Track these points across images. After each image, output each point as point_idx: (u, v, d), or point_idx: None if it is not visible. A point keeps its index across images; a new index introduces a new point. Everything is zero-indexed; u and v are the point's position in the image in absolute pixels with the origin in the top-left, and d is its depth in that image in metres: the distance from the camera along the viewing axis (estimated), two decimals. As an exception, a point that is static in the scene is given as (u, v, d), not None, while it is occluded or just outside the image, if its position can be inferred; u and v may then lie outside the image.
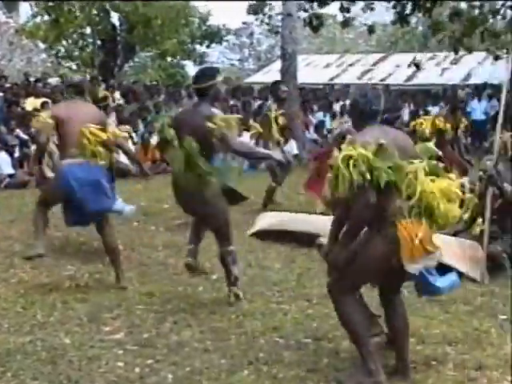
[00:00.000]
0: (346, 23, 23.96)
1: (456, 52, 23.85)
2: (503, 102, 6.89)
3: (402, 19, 23.14)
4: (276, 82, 11.46)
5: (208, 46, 33.90)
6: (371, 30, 24.63)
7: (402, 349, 4.61)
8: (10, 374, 4.63)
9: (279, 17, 21.12)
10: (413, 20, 25.64)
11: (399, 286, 4.70)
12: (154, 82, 24.73)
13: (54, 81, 22.23)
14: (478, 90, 22.74)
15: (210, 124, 5.69)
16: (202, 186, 5.80)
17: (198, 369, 4.74)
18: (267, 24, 27.07)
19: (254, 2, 25.27)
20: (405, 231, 4.28)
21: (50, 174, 13.17)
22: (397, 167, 4.24)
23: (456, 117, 11.48)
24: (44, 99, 15.62)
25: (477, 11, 22.31)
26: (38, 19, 29.21)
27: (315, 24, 22.85)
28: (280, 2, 19.35)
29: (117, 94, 18.50)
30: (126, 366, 4.78)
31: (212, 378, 4.61)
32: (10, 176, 12.68)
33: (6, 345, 5.12)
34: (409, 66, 28.32)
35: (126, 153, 7.55)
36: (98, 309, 5.91)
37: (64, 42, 30.16)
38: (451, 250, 6.73)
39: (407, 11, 22.79)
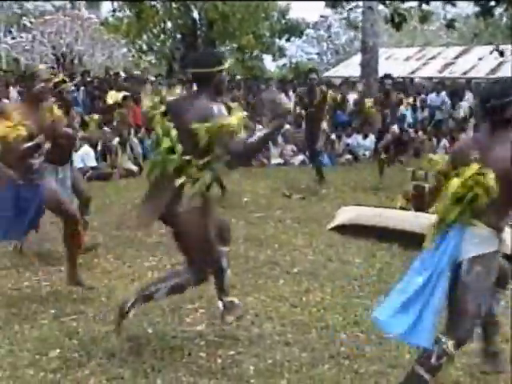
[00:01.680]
0: (424, 18, 23.53)
1: (543, 43, 23.20)
2: None
3: (485, 12, 22.61)
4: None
5: (287, 40, 33.90)
6: (450, 25, 24.13)
7: None
8: (94, 362, 4.72)
9: (359, 10, 20.96)
10: (497, 11, 24.88)
11: None
12: (239, 77, 24.64)
13: (134, 75, 22.58)
14: None
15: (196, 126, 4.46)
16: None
17: (280, 361, 4.75)
18: (345, 19, 26.74)
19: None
20: None
21: (130, 165, 13.44)
22: None
23: None
24: (125, 93, 15.85)
25: None
26: (120, 14, 29.77)
27: (397, 21, 22.51)
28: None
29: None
30: (207, 357, 4.82)
31: (293, 371, 4.61)
32: (93, 168, 12.89)
33: (91, 333, 5.23)
34: (491, 53, 27.65)
35: None
36: (179, 300, 5.96)
37: (145, 37, 30.61)
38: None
39: (492, 3, 22.23)
